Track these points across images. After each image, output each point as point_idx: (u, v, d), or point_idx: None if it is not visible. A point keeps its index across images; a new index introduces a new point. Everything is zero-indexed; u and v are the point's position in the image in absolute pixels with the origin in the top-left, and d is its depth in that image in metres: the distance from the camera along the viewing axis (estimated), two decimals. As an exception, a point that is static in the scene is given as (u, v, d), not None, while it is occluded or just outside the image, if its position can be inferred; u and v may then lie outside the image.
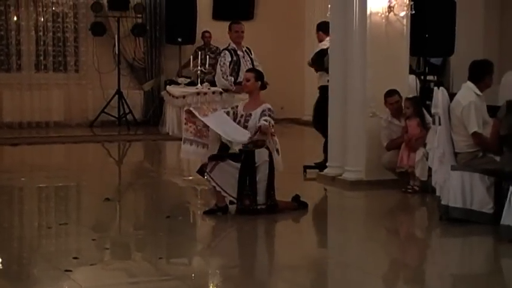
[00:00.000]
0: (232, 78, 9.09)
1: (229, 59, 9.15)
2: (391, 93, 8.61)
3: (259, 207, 7.25)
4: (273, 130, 7.38)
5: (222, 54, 9.38)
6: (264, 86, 7.58)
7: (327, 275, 6.00)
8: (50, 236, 6.81)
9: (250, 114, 7.36)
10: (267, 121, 7.21)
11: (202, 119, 7.38)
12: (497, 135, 6.98)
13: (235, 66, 9.17)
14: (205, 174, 7.27)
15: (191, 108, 7.71)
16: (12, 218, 7.77)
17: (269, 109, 7.34)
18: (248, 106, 7.44)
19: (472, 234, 6.89)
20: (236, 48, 9.23)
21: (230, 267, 5.95)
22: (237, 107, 7.57)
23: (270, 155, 7.31)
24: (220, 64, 9.26)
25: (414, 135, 8.33)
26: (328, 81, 9.43)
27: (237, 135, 7.28)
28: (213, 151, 7.48)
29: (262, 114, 7.29)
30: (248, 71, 7.87)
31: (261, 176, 7.23)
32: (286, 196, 7.63)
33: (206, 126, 7.40)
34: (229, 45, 9.34)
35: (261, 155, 7.25)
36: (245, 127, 7.32)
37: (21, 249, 6.52)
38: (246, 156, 7.23)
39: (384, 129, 8.66)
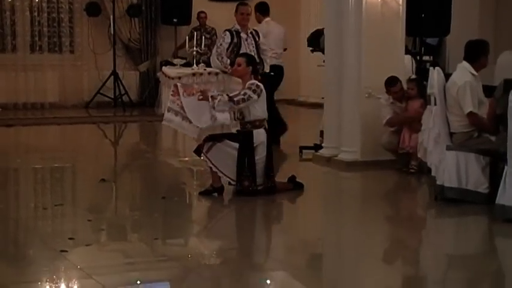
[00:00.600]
0: (229, 60, 8.95)
1: (229, 40, 9.00)
2: (393, 82, 8.53)
3: (257, 188, 7.25)
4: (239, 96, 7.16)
5: (222, 35, 9.22)
6: (256, 71, 7.49)
7: (322, 256, 6.01)
8: (46, 217, 6.81)
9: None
10: (244, 94, 7.10)
11: (182, 99, 7.34)
12: (493, 114, 6.98)
13: (235, 48, 9.03)
14: (202, 154, 7.26)
15: (179, 85, 7.67)
16: (7, 199, 7.76)
17: (252, 83, 7.21)
18: (239, 89, 7.41)
19: (467, 214, 6.91)
20: (240, 30, 9.07)
21: (226, 248, 5.96)
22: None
23: (268, 136, 7.30)
24: (217, 45, 9.12)
25: (415, 116, 8.30)
26: (324, 61, 9.42)
27: (198, 121, 7.26)
28: (205, 131, 7.43)
29: (248, 87, 7.21)
30: (240, 55, 7.70)
31: (260, 157, 7.23)
32: (282, 177, 7.63)
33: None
34: (233, 26, 9.18)
35: (258, 135, 7.24)
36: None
37: (17, 230, 6.53)
38: (244, 137, 7.22)
39: (384, 107, 8.61)
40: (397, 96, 8.58)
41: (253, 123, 7.25)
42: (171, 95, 7.52)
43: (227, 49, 9.10)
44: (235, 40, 8.96)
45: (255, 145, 7.21)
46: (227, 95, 7.20)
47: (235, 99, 7.10)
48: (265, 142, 7.26)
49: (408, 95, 8.52)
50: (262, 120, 7.29)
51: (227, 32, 9.08)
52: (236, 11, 9.28)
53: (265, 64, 9.23)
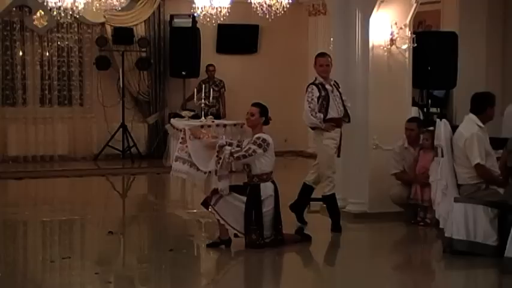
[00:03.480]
0: (322, 115, 8.21)
1: (317, 94, 8.24)
2: (410, 119, 8.78)
3: (265, 241, 7.24)
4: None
5: (309, 90, 8.33)
6: (267, 121, 7.56)
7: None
8: (54, 270, 6.80)
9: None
10: (248, 149, 7.17)
11: (188, 142, 7.39)
12: (505, 166, 6.98)
13: (324, 102, 8.23)
14: (210, 207, 7.27)
15: (186, 128, 7.71)
16: (16, 252, 7.76)
17: (258, 137, 7.27)
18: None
19: (476, 266, 6.86)
20: (324, 83, 8.30)
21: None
22: (243, 141, 7.58)
23: (276, 190, 7.32)
24: (307, 100, 8.27)
25: (425, 167, 8.33)
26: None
27: (201, 166, 7.30)
28: (203, 174, 7.45)
29: (253, 140, 7.27)
30: (253, 105, 7.64)
31: (267, 210, 7.24)
32: (290, 228, 7.62)
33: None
34: (315, 79, 8.40)
35: (266, 189, 7.26)
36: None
37: (25, 284, 6.51)
38: (251, 190, 7.24)
39: (395, 155, 8.66)
40: (410, 136, 8.61)
41: (260, 176, 7.27)
42: (180, 142, 7.57)
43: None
44: (322, 93, 8.21)
45: (262, 198, 7.23)
46: (230, 150, 7.20)
47: (235, 155, 7.17)
48: (273, 195, 7.27)
49: (422, 146, 8.57)
50: (269, 173, 7.31)
51: (313, 86, 8.29)
52: (315, 63, 8.51)
53: (349, 115, 8.45)
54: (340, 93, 8.36)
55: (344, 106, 8.33)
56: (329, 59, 8.39)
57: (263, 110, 7.51)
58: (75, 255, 7.42)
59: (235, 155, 7.14)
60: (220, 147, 7.18)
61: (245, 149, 7.19)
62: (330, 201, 8.28)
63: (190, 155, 7.40)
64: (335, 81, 8.43)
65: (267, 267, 7.22)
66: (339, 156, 8.33)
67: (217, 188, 7.34)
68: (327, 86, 8.27)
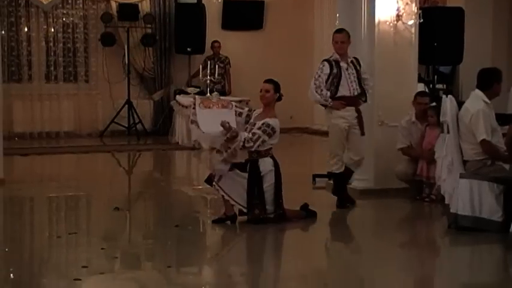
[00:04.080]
0: (329, 93, 8.05)
1: (327, 71, 8.03)
2: (423, 93, 8.76)
3: (268, 216, 7.27)
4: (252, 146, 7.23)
5: (320, 65, 8.17)
6: (280, 98, 7.56)
7: (334, 285, 5.98)
8: (60, 246, 6.83)
9: (255, 124, 7.37)
10: (249, 137, 7.18)
11: (197, 109, 7.39)
12: (510, 142, 6.96)
13: (335, 80, 8.03)
14: (214, 183, 7.29)
15: (197, 97, 7.73)
16: (22, 228, 7.81)
17: (268, 124, 7.28)
18: (259, 117, 7.44)
19: (481, 242, 6.87)
20: (339, 60, 8.06)
21: (238, 276, 5.96)
22: (254, 110, 7.60)
23: (275, 164, 7.33)
24: (314, 76, 8.14)
25: (431, 143, 8.33)
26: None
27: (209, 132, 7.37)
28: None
29: (260, 124, 7.28)
30: (266, 81, 7.58)
31: (268, 185, 7.26)
32: (295, 205, 7.63)
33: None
34: (332, 55, 8.19)
35: (265, 164, 7.28)
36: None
37: (32, 259, 6.55)
38: (251, 166, 7.26)
39: (402, 130, 8.65)
40: (420, 108, 8.60)
41: (259, 152, 7.29)
42: (192, 107, 7.56)
43: (326, 81, 8.06)
44: (334, 71, 8.02)
45: (262, 174, 7.24)
46: (243, 140, 7.19)
47: (246, 145, 7.20)
48: (273, 170, 7.29)
49: (428, 122, 8.56)
50: (268, 149, 7.32)
51: (325, 63, 8.10)
52: (332, 39, 8.27)
53: (367, 95, 8.24)
54: (357, 72, 8.09)
55: (361, 85, 8.11)
56: (346, 35, 8.13)
57: (277, 86, 7.54)
58: (81, 231, 7.46)
59: (246, 145, 7.20)
60: (233, 137, 7.17)
61: (255, 138, 7.21)
62: (336, 179, 8.26)
63: (197, 123, 7.42)
64: (355, 58, 8.16)
65: (271, 243, 7.25)
66: (363, 134, 8.15)
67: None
68: (342, 64, 8.04)
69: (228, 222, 7.36)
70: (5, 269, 6.15)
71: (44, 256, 6.54)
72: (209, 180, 7.35)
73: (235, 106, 7.73)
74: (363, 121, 8.14)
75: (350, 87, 8.08)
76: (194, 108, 7.54)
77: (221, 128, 7.17)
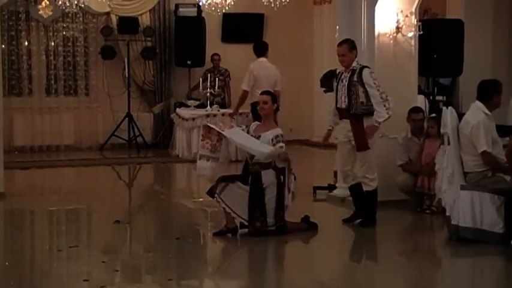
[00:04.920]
0: (334, 105, 8.05)
1: (335, 84, 7.99)
2: (417, 110, 8.72)
3: (269, 228, 7.26)
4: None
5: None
6: (277, 108, 7.62)
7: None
8: (61, 259, 6.83)
9: (260, 136, 7.37)
10: (283, 147, 7.25)
11: (223, 132, 7.37)
12: (511, 154, 6.97)
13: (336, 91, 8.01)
14: (215, 195, 7.28)
15: (209, 124, 7.72)
16: (23, 241, 7.80)
17: (281, 135, 7.37)
18: (260, 128, 7.46)
19: (483, 254, 6.86)
20: (343, 71, 7.91)
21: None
22: (248, 126, 7.64)
23: (278, 176, 7.33)
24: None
25: (431, 155, 8.34)
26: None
27: (258, 147, 7.29)
28: (223, 166, 7.50)
29: (276, 139, 7.30)
30: (264, 93, 7.68)
31: (270, 198, 7.26)
32: (296, 217, 7.63)
33: (220, 140, 7.40)
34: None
35: (268, 176, 7.28)
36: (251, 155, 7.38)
37: (32, 272, 6.54)
38: (253, 178, 7.26)
39: (400, 147, 8.66)
40: (415, 125, 8.60)
41: (261, 164, 7.29)
42: (201, 139, 7.53)
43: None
44: (334, 83, 7.98)
45: (264, 186, 7.24)
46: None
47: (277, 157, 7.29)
48: (275, 182, 7.29)
49: (428, 134, 8.57)
50: (270, 162, 7.32)
51: (333, 78, 8.13)
52: None
53: (355, 107, 7.82)
54: (350, 82, 7.75)
55: (350, 96, 7.77)
56: (346, 47, 7.82)
57: (274, 97, 7.64)
58: (82, 244, 7.44)
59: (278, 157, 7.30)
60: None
61: (279, 145, 7.27)
62: (353, 192, 8.17)
63: (216, 149, 7.41)
64: (359, 68, 7.78)
65: (272, 256, 7.23)
66: (358, 150, 7.82)
67: (221, 177, 7.35)
68: (343, 75, 7.89)
69: (229, 234, 7.35)
70: (5, 282, 6.13)
71: (44, 269, 6.52)
72: (211, 193, 7.35)
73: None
74: (358, 135, 7.78)
75: (340, 99, 7.93)
76: (203, 139, 7.47)
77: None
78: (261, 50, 12.04)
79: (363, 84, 7.70)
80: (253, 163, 7.31)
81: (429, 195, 8.48)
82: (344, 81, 7.86)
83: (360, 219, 7.95)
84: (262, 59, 11.75)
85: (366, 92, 7.66)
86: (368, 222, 7.88)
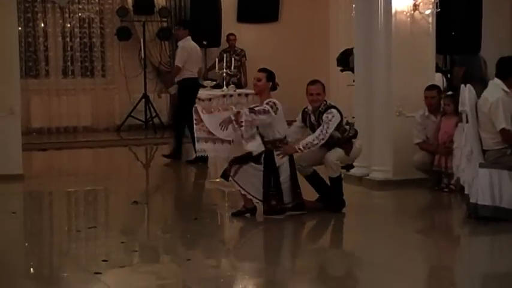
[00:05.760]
0: None
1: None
2: (430, 87, 8.65)
3: (286, 206, 7.25)
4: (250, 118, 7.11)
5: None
6: (274, 87, 7.50)
7: (354, 276, 5.97)
8: (80, 240, 6.86)
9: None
10: (252, 111, 7.10)
11: (202, 116, 7.39)
12: None
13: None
14: (230, 178, 7.27)
15: (196, 106, 7.73)
16: (42, 223, 7.86)
17: (268, 101, 7.21)
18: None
19: (502, 232, 6.83)
20: (310, 112, 7.55)
21: (257, 270, 5.95)
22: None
23: (291, 156, 7.29)
24: None
25: (448, 133, 8.30)
26: (353, 80, 9.41)
27: (222, 135, 7.31)
28: (237, 145, 7.45)
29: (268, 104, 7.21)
30: (260, 70, 7.55)
31: (284, 177, 7.24)
32: (312, 196, 7.61)
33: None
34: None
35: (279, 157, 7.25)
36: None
37: (52, 253, 6.58)
38: (266, 157, 7.24)
39: (417, 125, 8.62)
40: (430, 103, 8.55)
41: (273, 143, 7.26)
42: (195, 124, 7.56)
43: None
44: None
45: (278, 165, 7.22)
46: (248, 108, 7.20)
47: (256, 109, 7.14)
48: (287, 162, 7.25)
49: (444, 111, 8.52)
50: (282, 139, 7.30)
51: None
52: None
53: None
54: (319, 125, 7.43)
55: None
56: (316, 88, 7.45)
57: (270, 75, 7.43)
58: (100, 225, 7.47)
59: (255, 109, 7.13)
60: (238, 112, 7.15)
61: (262, 107, 7.17)
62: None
63: (209, 130, 7.40)
64: (325, 109, 7.42)
65: (290, 235, 7.23)
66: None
67: (234, 159, 7.34)
68: (312, 118, 7.53)
69: (248, 215, 7.35)
70: (25, 263, 6.18)
71: (63, 250, 6.56)
72: (225, 175, 7.34)
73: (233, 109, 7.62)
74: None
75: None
76: (196, 124, 7.50)
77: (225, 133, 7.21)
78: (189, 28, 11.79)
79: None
80: (265, 142, 7.28)
81: (447, 174, 8.44)
82: (314, 124, 7.48)
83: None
84: (189, 37, 11.54)
85: (337, 127, 7.37)
86: (338, 207, 7.63)
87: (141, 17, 14.51)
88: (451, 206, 8.26)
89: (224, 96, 13.08)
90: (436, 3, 8.77)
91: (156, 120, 14.48)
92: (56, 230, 7.51)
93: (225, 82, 13.39)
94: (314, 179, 7.64)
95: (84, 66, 14.71)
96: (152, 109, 14.45)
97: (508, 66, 7.15)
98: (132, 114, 14.39)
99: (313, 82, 7.53)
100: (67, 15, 14.50)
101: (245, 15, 15.35)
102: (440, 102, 8.64)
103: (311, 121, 7.51)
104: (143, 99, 14.39)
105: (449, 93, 8.75)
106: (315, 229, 7.41)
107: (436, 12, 8.80)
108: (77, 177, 10.38)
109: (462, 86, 7.36)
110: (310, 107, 7.53)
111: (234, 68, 13.85)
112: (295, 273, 5.91)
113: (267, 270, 5.91)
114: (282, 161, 7.26)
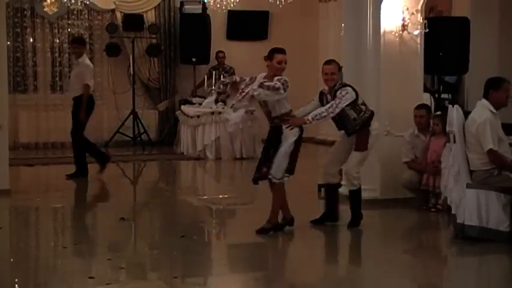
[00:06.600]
0: None
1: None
2: (419, 106, 8.70)
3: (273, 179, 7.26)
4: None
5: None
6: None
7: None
8: (66, 256, 6.83)
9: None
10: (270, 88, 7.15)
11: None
12: None
13: None
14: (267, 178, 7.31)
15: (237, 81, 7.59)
16: (28, 238, 7.81)
17: (280, 78, 7.28)
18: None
19: (489, 252, 6.85)
20: (326, 92, 7.70)
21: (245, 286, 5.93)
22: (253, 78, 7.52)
23: (300, 135, 7.33)
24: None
25: (437, 152, 8.33)
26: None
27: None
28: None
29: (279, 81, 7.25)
30: (283, 52, 7.67)
31: (285, 152, 7.23)
32: (300, 214, 7.61)
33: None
34: None
35: (289, 133, 7.26)
36: (266, 111, 7.39)
37: (37, 269, 6.54)
38: (273, 130, 7.28)
39: (406, 144, 8.66)
40: (418, 121, 8.60)
41: (281, 117, 7.29)
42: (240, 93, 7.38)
43: None
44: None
45: (282, 141, 7.23)
46: (259, 82, 7.22)
47: (265, 84, 7.17)
48: (293, 140, 7.26)
49: (433, 131, 8.56)
50: (288, 113, 7.32)
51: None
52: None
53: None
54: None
55: (341, 119, 7.66)
56: (334, 66, 7.70)
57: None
58: (87, 242, 7.44)
59: (265, 84, 7.17)
60: (247, 84, 7.27)
61: (273, 83, 7.19)
62: (328, 191, 8.10)
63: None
64: (338, 88, 7.57)
65: (277, 252, 7.21)
66: (355, 150, 7.72)
67: (259, 165, 7.35)
68: (328, 97, 7.64)
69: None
70: (10, 279, 6.14)
71: (49, 266, 6.52)
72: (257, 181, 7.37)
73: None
74: (360, 140, 7.65)
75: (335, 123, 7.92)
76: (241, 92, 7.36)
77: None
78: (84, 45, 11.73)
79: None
80: (272, 117, 7.30)
81: (434, 193, 8.47)
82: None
83: (349, 221, 7.75)
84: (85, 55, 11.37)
85: (352, 106, 7.50)
86: (356, 222, 7.74)
87: (131, 33, 14.53)
88: (439, 226, 8.28)
89: (212, 113, 13.13)
90: (425, 24, 8.84)
91: (144, 136, 14.46)
92: (43, 245, 7.47)
93: (213, 99, 13.44)
94: (334, 192, 7.82)
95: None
96: (140, 125, 14.43)
97: (486, 85, 7.19)
98: (120, 130, 14.37)
99: (329, 62, 7.75)
100: (56, 30, 14.51)
101: (235, 32, 15.40)
102: (430, 121, 8.69)
103: (327, 101, 7.58)
104: (131, 115, 14.38)
105: (438, 113, 8.80)
106: (302, 246, 7.40)
107: (425, 33, 8.86)
108: (64, 192, 10.33)
109: (450, 106, 7.41)
110: (326, 88, 7.65)
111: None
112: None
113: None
114: (290, 139, 7.23)
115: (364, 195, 8.72)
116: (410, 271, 6.55)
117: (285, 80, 7.25)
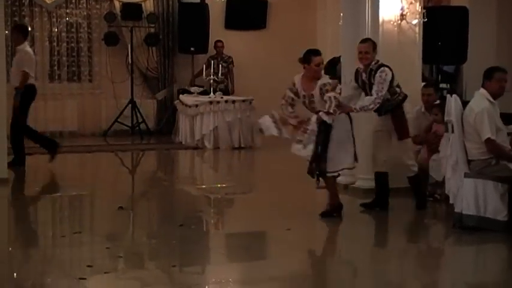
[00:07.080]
0: None
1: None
2: (427, 85, 8.79)
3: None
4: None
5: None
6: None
7: (337, 284, 5.97)
8: (64, 245, 6.84)
9: (312, 95, 7.46)
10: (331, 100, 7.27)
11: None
12: None
13: None
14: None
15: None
16: (26, 227, 7.81)
17: (324, 84, 7.41)
18: (308, 86, 7.50)
19: (486, 242, 6.86)
20: (361, 70, 7.85)
21: (242, 276, 5.95)
22: (294, 84, 7.64)
23: (351, 121, 7.54)
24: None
25: (437, 133, 8.33)
26: (340, 89, 9.42)
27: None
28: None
29: (324, 88, 7.36)
30: (319, 54, 7.69)
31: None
32: (299, 204, 7.62)
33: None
34: None
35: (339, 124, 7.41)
36: (312, 109, 7.49)
37: (35, 258, 6.54)
38: (323, 125, 7.36)
39: (413, 120, 8.61)
40: (430, 100, 8.62)
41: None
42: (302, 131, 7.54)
43: None
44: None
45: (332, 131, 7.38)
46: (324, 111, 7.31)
47: (331, 110, 7.27)
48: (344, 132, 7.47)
49: (434, 121, 8.56)
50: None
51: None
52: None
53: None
54: (370, 84, 7.78)
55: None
56: (368, 45, 7.81)
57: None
58: (85, 231, 7.45)
59: (331, 111, 7.25)
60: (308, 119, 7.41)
61: (330, 101, 7.28)
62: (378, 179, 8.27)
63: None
64: (377, 68, 7.73)
65: (274, 242, 7.22)
66: (399, 139, 7.94)
67: (313, 157, 7.42)
68: (364, 76, 7.81)
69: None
70: (8, 268, 6.15)
71: (48, 255, 6.54)
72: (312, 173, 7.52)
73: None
74: (398, 126, 7.86)
75: None
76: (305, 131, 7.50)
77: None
78: (27, 33, 11.48)
79: None
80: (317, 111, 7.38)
81: (432, 184, 8.46)
82: (366, 83, 7.77)
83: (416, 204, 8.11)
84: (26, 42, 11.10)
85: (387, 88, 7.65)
86: (422, 204, 8.11)
87: (129, 22, 14.51)
88: (436, 215, 8.29)
89: (211, 102, 13.13)
90: (423, 13, 8.82)
91: (142, 126, 14.46)
92: (41, 235, 7.48)
93: (212, 88, 13.44)
94: (383, 180, 8.02)
95: (71, 71, 14.68)
96: (139, 114, 14.43)
97: (483, 76, 7.19)
98: (118, 119, 14.37)
99: (364, 40, 7.87)
100: (54, 19, 14.48)
101: (233, 22, 15.38)
102: (435, 99, 8.69)
103: (362, 79, 7.68)
104: (130, 105, 14.38)
105: (437, 102, 8.79)
106: (301, 237, 7.41)
107: (423, 22, 8.85)
108: (62, 182, 10.34)
109: (448, 96, 7.41)
110: (362, 66, 7.73)
111: (222, 74, 13.89)
112: (277, 280, 5.91)
113: (253, 277, 5.92)
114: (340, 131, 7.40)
115: (362, 184, 8.78)
116: (407, 260, 6.56)
117: (328, 83, 7.42)
